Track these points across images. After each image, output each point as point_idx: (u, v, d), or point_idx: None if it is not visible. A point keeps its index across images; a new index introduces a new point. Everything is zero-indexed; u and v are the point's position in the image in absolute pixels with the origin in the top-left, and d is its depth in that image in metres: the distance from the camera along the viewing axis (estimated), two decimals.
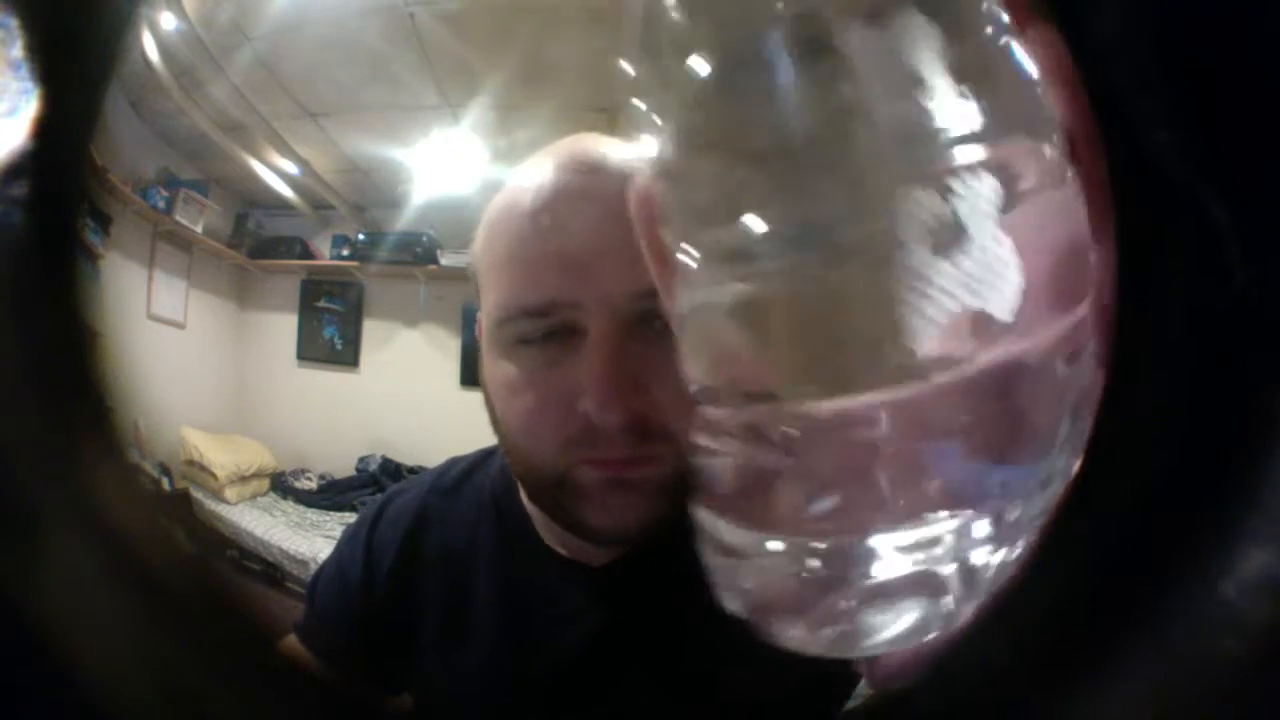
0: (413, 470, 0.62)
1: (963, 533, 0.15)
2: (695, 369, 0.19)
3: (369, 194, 0.61)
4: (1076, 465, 0.17)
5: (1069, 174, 0.15)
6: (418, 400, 0.64)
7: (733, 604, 0.17)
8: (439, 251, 0.62)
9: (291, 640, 0.41)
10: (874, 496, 0.15)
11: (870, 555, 0.15)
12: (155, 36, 0.43)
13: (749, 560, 0.17)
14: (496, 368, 0.33)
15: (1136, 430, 0.18)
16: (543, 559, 0.37)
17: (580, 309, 0.30)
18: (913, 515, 0.15)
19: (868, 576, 0.15)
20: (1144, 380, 0.17)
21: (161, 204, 0.53)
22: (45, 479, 0.24)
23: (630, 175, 0.25)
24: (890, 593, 0.15)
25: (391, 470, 0.62)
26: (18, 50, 0.21)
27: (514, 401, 0.32)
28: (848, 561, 0.15)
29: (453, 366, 0.64)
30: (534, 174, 0.32)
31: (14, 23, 0.21)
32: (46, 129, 0.22)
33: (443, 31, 0.47)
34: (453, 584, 0.39)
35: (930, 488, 0.15)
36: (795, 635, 0.17)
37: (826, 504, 0.15)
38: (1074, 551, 0.18)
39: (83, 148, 0.26)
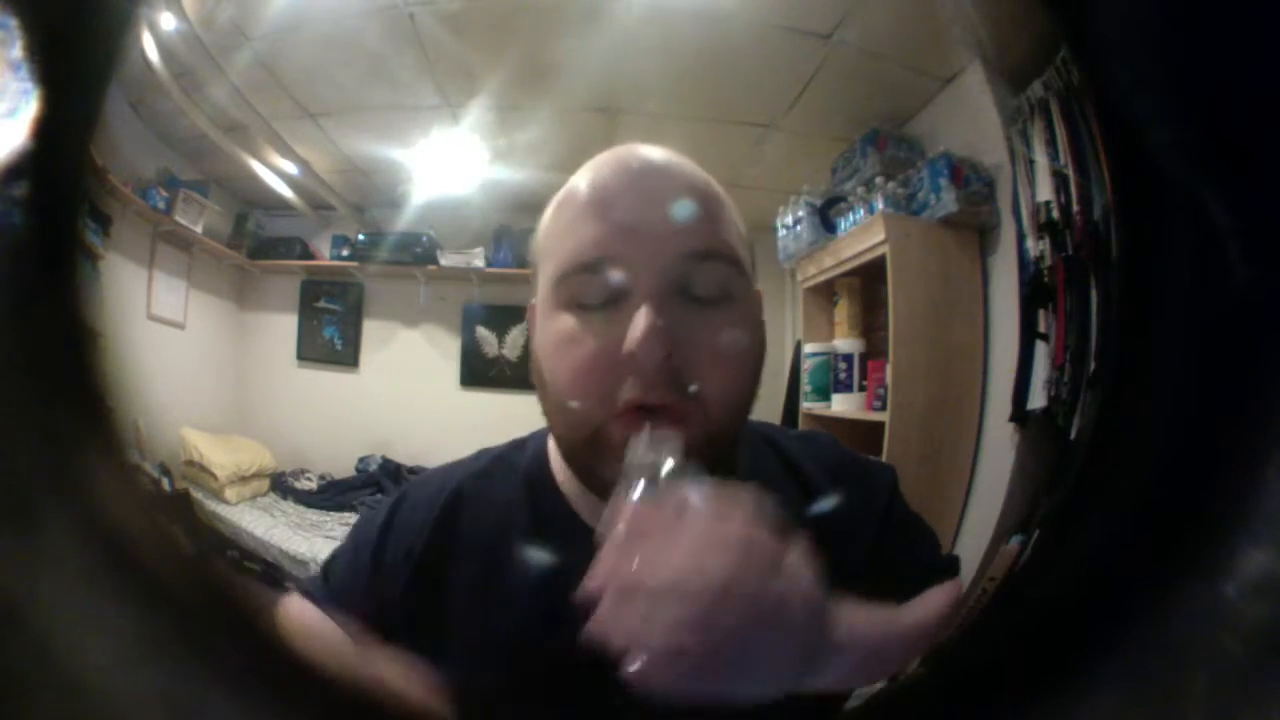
0: (413, 470, 0.62)
1: None
2: None
3: (369, 194, 0.61)
4: None
5: None
6: (418, 400, 0.64)
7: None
8: (439, 251, 0.62)
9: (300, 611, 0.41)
10: None
11: None
12: (155, 36, 0.43)
13: None
14: (551, 324, 0.37)
15: (1137, 430, 0.18)
16: (576, 533, 0.39)
17: (629, 267, 0.35)
18: None
19: None
20: (1144, 380, 0.17)
21: (161, 204, 0.53)
22: (45, 479, 0.24)
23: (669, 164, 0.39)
24: None
25: (391, 470, 0.62)
26: (18, 50, 0.21)
27: (565, 351, 0.36)
28: None
29: (453, 366, 0.64)
30: (590, 167, 0.39)
31: (14, 23, 0.21)
32: (46, 129, 0.22)
33: (443, 31, 0.47)
34: (487, 557, 0.41)
35: None
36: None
37: None
38: (1075, 551, 0.18)
39: (83, 148, 0.26)
